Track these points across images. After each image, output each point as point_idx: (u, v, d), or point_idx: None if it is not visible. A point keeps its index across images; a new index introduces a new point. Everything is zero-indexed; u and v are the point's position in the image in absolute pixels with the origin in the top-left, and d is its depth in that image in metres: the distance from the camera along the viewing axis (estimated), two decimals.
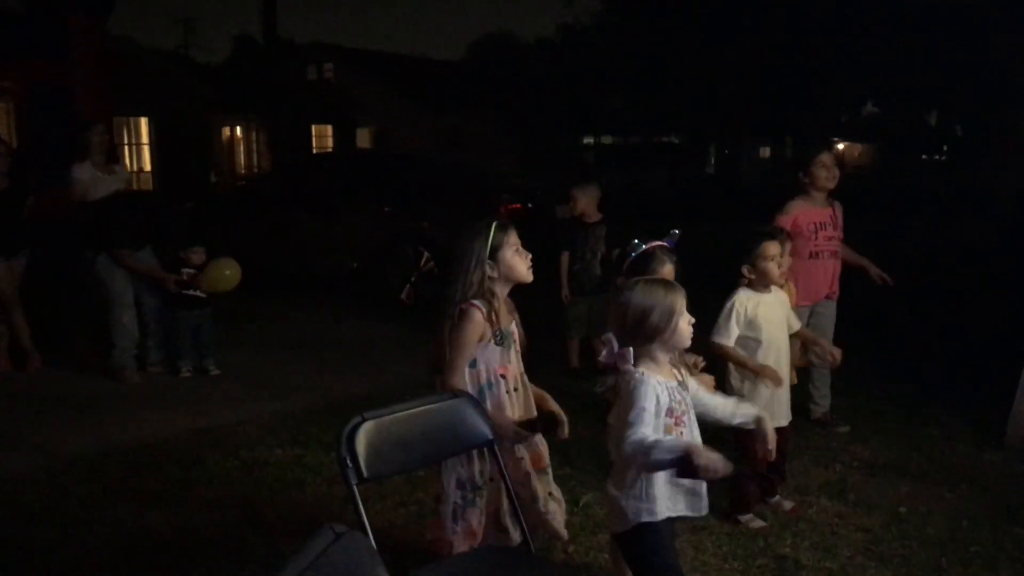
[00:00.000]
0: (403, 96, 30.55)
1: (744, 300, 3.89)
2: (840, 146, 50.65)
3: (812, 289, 5.07)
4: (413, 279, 9.02)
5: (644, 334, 2.54)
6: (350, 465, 2.40)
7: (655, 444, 2.35)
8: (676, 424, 2.56)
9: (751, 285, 3.91)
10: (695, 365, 3.24)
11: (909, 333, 7.83)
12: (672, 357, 2.66)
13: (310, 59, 32.08)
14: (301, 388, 6.23)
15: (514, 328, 3.11)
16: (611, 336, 2.58)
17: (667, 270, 3.19)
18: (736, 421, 2.79)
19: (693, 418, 2.66)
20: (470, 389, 2.98)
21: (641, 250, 3.21)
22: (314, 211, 9.85)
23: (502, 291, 3.05)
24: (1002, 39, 13.40)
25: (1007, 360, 5.26)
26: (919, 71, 22.76)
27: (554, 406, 3.16)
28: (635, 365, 2.54)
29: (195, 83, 24.01)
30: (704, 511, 2.72)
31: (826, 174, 5.00)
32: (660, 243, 3.25)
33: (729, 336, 3.86)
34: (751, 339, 3.91)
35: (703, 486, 2.66)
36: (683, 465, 2.30)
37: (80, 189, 6.57)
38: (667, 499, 2.60)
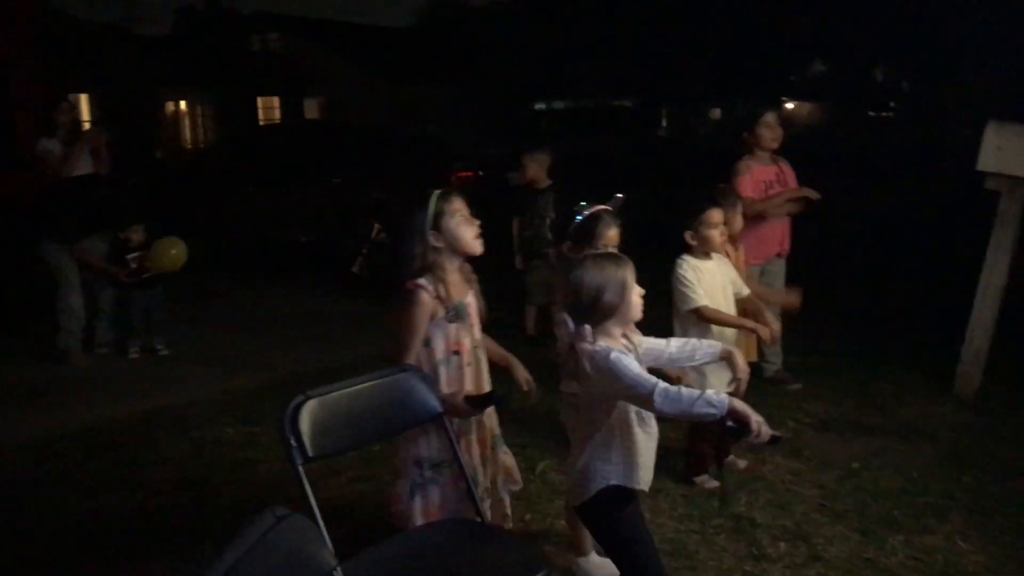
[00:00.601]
0: (352, 65, 30.15)
1: (689, 266, 3.85)
2: (789, 105, 51.03)
3: (763, 247, 5.10)
4: (365, 251, 8.90)
5: (600, 311, 2.50)
6: (294, 445, 2.35)
7: (701, 395, 2.27)
8: None
9: (693, 252, 3.86)
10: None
11: (858, 289, 7.92)
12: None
13: (255, 29, 31.53)
14: (253, 365, 6.15)
15: (470, 300, 3.01)
16: (565, 316, 2.54)
17: (612, 234, 3.16)
18: (699, 361, 2.75)
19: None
20: (424, 368, 2.93)
21: (586, 214, 3.17)
22: (263, 184, 9.70)
23: (450, 263, 2.94)
24: None
25: (954, 313, 5.33)
26: (865, 27, 22.89)
27: (520, 373, 3.09)
28: (593, 342, 2.51)
29: (137, 57, 23.48)
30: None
31: (771, 134, 5.09)
32: (604, 207, 3.21)
33: (702, 297, 3.80)
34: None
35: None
36: (727, 421, 2.25)
37: (52, 162, 6.25)
38: (636, 466, 2.58)
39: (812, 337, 6.10)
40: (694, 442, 4.01)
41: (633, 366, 2.41)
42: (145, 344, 6.45)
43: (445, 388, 2.92)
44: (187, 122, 26.82)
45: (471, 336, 3.00)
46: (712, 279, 3.89)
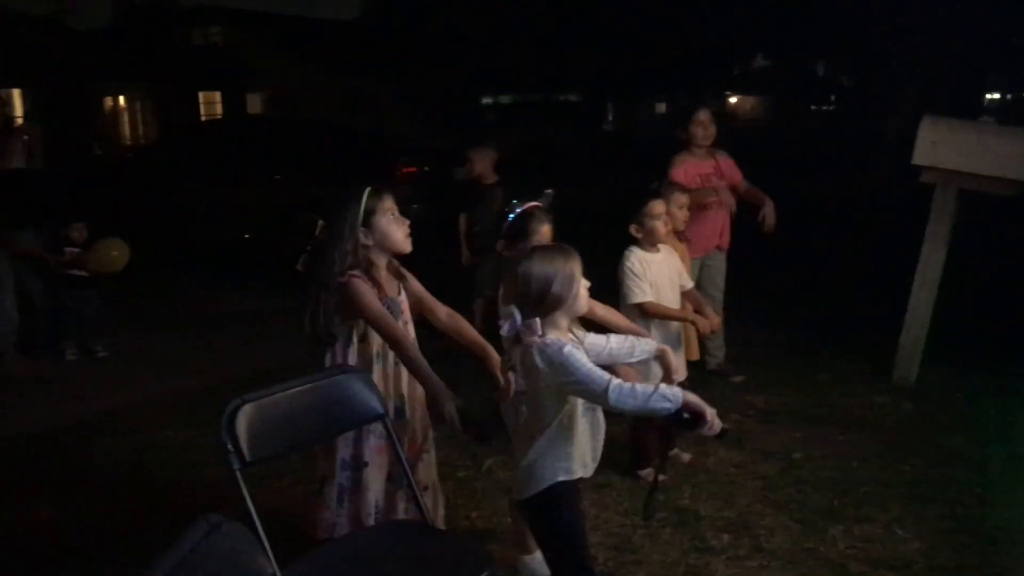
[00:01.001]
0: (295, 59, 29.79)
1: (636, 259, 3.90)
2: (733, 99, 51.69)
3: (702, 241, 5.15)
4: (308, 248, 8.78)
5: (548, 303, 2.50)
6: (231, 449, 2.30)
7: (656, 389, 2.28)
8: None
9: (639, 244, 3.92)
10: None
11: (799, 281, 8.04)
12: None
13: (195, 23, 30.94)
14: (196, 366, 6.05)
15: (402, 297, 3.01)
16: (512, 309, 2.53)
17: (545, 230, 3.15)
18: (636, 358, 2.77)
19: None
20: (360, 363, 2.90)
21: (518, 212, 3.16)
22: (204, 181, 9.53)
23: (380, 260, 2.95)
24: None
25: (892, 304, 5.44)
26: (805, 22, 23.26)
27: (496, 364, 2.96)
28: (542, 335, 2.49)
29: (73, 51, 22.90)
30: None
31: (702, 132, 5.17)
32: (535, 203, 3.20)
33: (646, 292, 3.86)
34: None
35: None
36: (680, 414, 2.28)
37: None
38: (582, 459, 2.60)
39: (754, 329, 6.18)
40: (638, 435, 4.04)
41: (585, 360, 2.41)
42: (82, 346, 6.30)
43: (380, 384, 2.87)
44: (126, 117, 26.25)
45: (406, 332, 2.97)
46: (659, 271, 3.94)
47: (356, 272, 2.86)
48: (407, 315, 3.01)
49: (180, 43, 28.92)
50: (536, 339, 2.48)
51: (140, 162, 12.13)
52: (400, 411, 2.99)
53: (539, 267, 2.50)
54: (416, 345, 2.94)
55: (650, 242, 3.92)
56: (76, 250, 6.09)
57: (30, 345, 6.27)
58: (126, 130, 26.15)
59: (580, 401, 2.54)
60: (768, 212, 5.21)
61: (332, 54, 30.74)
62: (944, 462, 4.18)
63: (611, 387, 2.31)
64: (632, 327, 3.48)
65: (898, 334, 5.23)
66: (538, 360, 2.45)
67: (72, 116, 19.90)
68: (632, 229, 3.90)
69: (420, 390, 2.99)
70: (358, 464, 2.92)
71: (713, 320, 3.97)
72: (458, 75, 32.11)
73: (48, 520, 3.81)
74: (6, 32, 17.76)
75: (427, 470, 3.09)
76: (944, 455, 4.25)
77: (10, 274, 6.00)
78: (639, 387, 2.32)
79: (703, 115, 5.23)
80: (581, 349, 2.52)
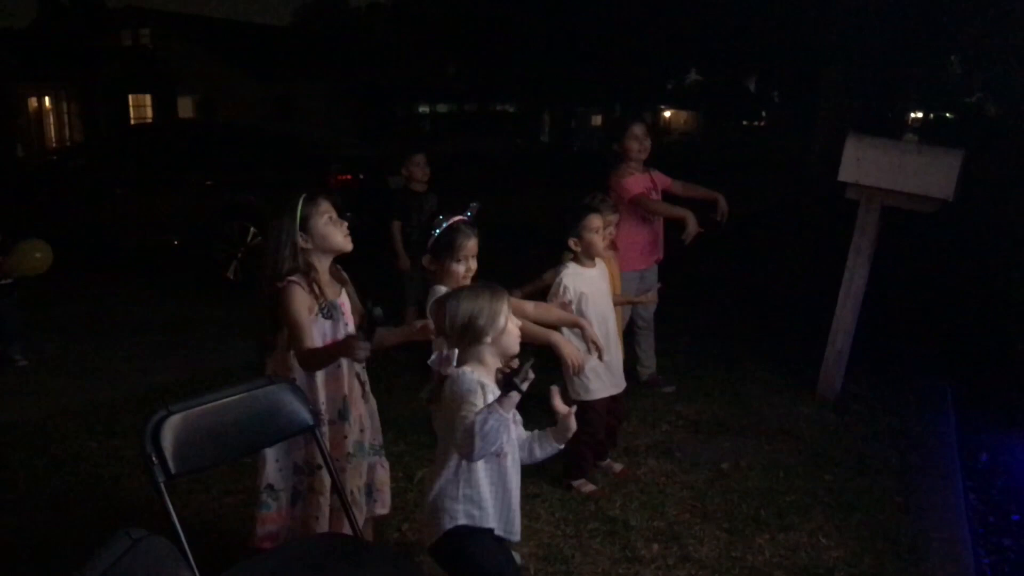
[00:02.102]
0: (228, 64, 29.34)
1: (572, 276, 3.91)
2: (666, 113, 52.49)
3: (643, 254, 5.18)
4: (239, 255, 8.67)
5: (471, 336, 2.49)
6: (156, 462, 2.25)
7: (482, 415, 2.23)
8: None
9: (576, 259, 3.94)
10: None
11: (727, 293, 8.19)
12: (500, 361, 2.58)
13: (124, 24, 30.26)
14: (119, 375, 5.88)
15: (344, 299, 3.02)
16: (441, 341, 2.54)
17: (471, 244, 3.14)
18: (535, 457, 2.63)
19: (517, 428, 2.58)
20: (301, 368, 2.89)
21: (444, 226, 3.15)
22: (131, 185, 9.31)
23: (322, 263, 2.96)
24: (811, 6, 14.11)
25: (817, 317, 5.57)
26: (736, 38, 23.72)
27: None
28: (456, 365, 2.50)
29: None
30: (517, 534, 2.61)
31: (638, 146, 5.12)
32: (460, 217, 3.20)
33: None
34: (577, 311, 3.89)
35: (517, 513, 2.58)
36: (506, 390, 2.23)
37: None
38: (499, 511, 2.53)
39: (682, 340, 6.27)
40: (573, 445, 4.05)
41: (476, 395, 2.37)
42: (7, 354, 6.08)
43: (321, 388, 2.92)
44: (52, 119, 25.51)
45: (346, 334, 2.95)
46: (595, 285, 3.96)
47: (295, 277, 2.86)
48: (348, 316, 3.00)
49: (109, 44, 28.23)
50: (449, 370, 2.49)
51: (66, 165, 11.81)
52: (343, 413, 2.99)
53: (465, 303, 2.49)
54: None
55: (588, 255, 3.95)
56: None
57: None
58: (52, 132, 25.42)
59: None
60: (722, 203, 5.16)
61: (264, 59, 30.37)
62: (865, 471, 4.30)
63: (459, 434, 2.29)
64: (567, 318, 3.52)
65: (822, 346, 5.35)
66: (447, 389, 2.46)
67: None
68: (571, 243, 3.92)
69: (360, 389, 3.04)
70: (311, 468, 2.93)
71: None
72: (391, 82, 32.00)
73: None
74: None
75: (357, 474, 3.05)
76: (865, 466, 4.37)
77: None
78: (473, 419, 2.25)
79: (638, 129, 5.19)
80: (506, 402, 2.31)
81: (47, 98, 24.92)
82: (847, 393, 5.34)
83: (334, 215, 2.97)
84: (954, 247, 9.42)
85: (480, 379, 2.45)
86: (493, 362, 2.54)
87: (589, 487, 4.05)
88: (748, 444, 4.63)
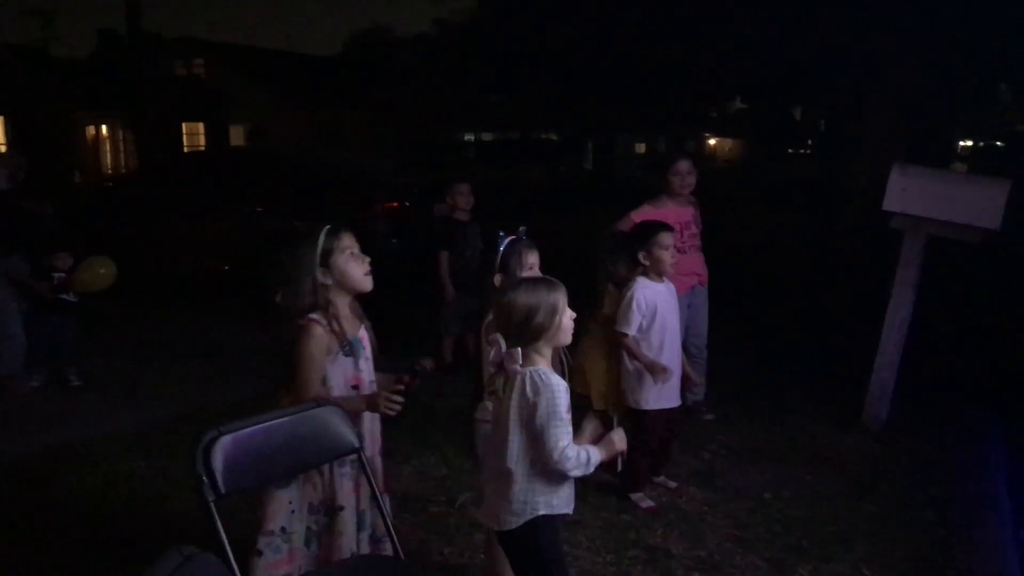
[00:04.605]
0: (277, 93, 29.91)
1: (643, 289, 4.04)
2: (711, 141, 52.33)
3: (684, 278, 5.18)
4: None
5: (530, 333, 2.54)
6: (206, 481, 2.32)
7: (591, 461, 2.50)
8: (570, 422, 2.58)
9: (646, 273, 4.07)
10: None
11: (772, 322, 8.14)
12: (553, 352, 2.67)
13: (178, 54, 31.04)
14: (169, 396, 6.01)
15: (363, 333, 2.96)
16: (498, 336, 2.59)
17: (533, 259, 3.24)
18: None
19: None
20: None
21: (507, 241, 3.25)
22: (185, 212, 9.53)
23: (341, 299, 2.88)
24: (855, 34, 14.07)
25: (861, 346, 5.53)
26: (783, 67, 23.67)
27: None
28: (523, 364, 2.54)
29: (55, 79, 22.90)
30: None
31: (679, 181, 5.13)
32: (514, 236, 3.30)
33: (631, 325, 4.02)
34: (648, 325, 4.05)
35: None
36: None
37: None
38: (567, 494, 2.64)
39: (725, 368, 6.24)
40: (629, 454, 4.04)
41: (564, 407, 2.49)
42: (55, 373, 6.25)
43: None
44: (108, 147, 26.20)
45: (368, 371, 2.96)
46: (665, 300, 4.10)
47: (316, 316, 2.81)
48: (368, 351, 2.96)
49: (164, 74, 28.96)
50: (515, 367, 2.53)
51: (122, 191, 12.13)
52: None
53: (523, 297, 2.55)
54: (372, 381, 2.96)
55: (656, 271, 4.08)
56: (63, 275, 6.07)
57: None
58: (108, 159, 26.10)
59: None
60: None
61: (312, 88, 30.91)
62: (908, 504, 4.25)
63: (568, 453, 2.47)
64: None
65: (866, 376, 5.31)
66: (528, 390, 2.51)
67: (53, 144, 19.83)
68: (640, 256, 4.06)
69: (377, 426, 2.99)
70: (331, 508, 2.87)
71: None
72: (438, 112, 32.34)
73: (16, 553, 3.77)
74: None
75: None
76: (908, 498, 4.33)
77: (13, 300, 6.00)
78: (586, 458, 2.50)
79: (683, 165, 5.16)
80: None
81: (104, 126, 25.62)
82: (891, 423, 5.28)
83: (356, 250, 2.89)
84: (1001, 276, 9.27)
85: (558, 382, 2.54)
86: (548, 354, 2.61)
87: (648, 503, 4.11)
88: (790, 473, 4.61)
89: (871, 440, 5.09)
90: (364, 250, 2.94)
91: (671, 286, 4.19)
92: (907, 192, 5.03)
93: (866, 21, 12.58)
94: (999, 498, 4.40)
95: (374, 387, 2.95)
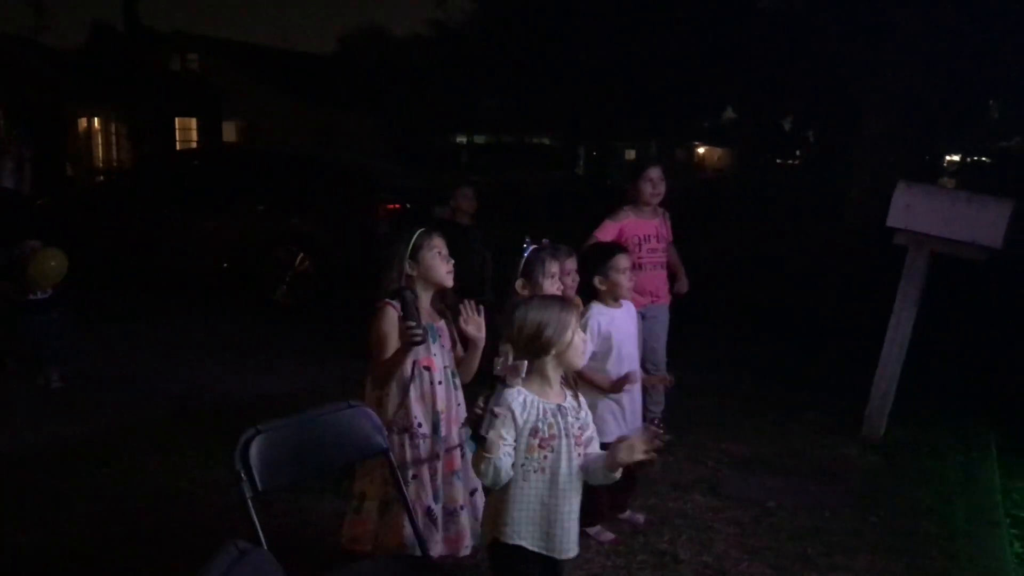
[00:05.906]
0: (272, 89, 29.90)
1: (598, 315, 3.83)
2: (700, 150, 52.58)
3: (637, 299, 4.75)
4: (288, 279, 8.84)
5: (537, 347, 2.54)
6: (244, 478, 2.37)
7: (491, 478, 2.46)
8: (540, 447, 2.50)
9: (602, 298, 3.86)
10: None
11: (771, 333, 8.21)
12: (564, 377, 2.62)
13: (173, 49, 30.97)
14: (169, 393, 6.02)
15: (442, 325, 3.23)
16: (508, 347, 2.61)
17: (555, 268, 3.30)
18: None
19: (570, 445, 2.55)
20: (394, 384, 3.08)
21: (532, 248, 3.31)
22: (183, 208, 9.51)
23: (424, 291, 3.19)
24: (848, 49, 14.21)
25: (864, 358, 5.61)
26: (773, 79, 23.87)
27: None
28: (525, 379, 2.55)
29: (47, 69, 22.74)
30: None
31: (651, 189, 4.94)
32: (542, 242, 3.37)
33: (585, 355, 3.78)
34: (604, 353, 3.83)
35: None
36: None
37: None
38: (530, 526, 2.55)
39: (727, 379, 6.33)
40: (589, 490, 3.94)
41: (506, 412, 2.45)
42: (43, 373, 6.11)
43: (416, 404, 3.11)
44: (100, 139, 26.03)
45: (443, 357, 3.19)
46: (623, 325, 3.90)
47: (393, 301, 3.10)
48: (445, 340, 3.23)
49: (158, 68, 28.87)
50: (515, 381, 2.54)
51: (117, 186, 12.10)
52: (436, 427, 3.15)
53: (535, 312, 2.56)
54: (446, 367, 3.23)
55: (613, 296, 3.87)
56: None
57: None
58: (100, 152, 25.93)
59: (521, 458, 2.50)
60: (681, 285, 5.27)
61: (307, 86, 30.88)
62: (910, 515, 4.33)
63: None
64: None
65: (867, 388, 5.39)
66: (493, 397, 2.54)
67: (46, 136, 19.71)
68: (596, 281, 3.85)
69: (456, 408, 3.23)
70: (405, 478, 3.04)
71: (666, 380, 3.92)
72: (433, 113, 32.38)
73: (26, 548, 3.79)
74: None
75: (462, 489, 3.22)
76: (910, 508, 4.40)
77: None
78: (489, 470, 2.44)
79: (654, 172, 4.97)
80: (562, 413, 2.53)
81: (96, 119, 25.42)
82: (891, 436, 5.37)
83: (444, 251, 3.22)
84: (1000, 293, 9.39)
85: (524, 396, 2.49)
86: (556, 377, 2.58)
87: (607, 536, 3.90)
88: (794, 483, 4.68)
89: (871, 452, 5.18)
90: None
91: (630, 308, 4.00)
92: (911, 209, 5.11)
93: (864, 31, 12.72)
94: (996, 512, 4.48)
95: (450, 375, 3.22)
